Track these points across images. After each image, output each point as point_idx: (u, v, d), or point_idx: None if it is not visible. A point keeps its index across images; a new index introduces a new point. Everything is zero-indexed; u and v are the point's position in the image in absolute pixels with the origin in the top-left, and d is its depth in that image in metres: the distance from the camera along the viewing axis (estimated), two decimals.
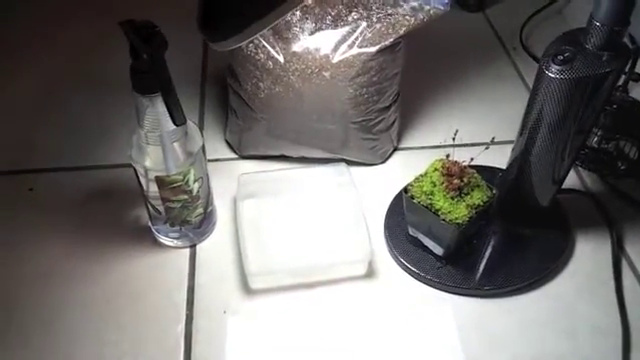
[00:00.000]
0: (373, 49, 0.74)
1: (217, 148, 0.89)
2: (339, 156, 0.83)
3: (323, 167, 0.80)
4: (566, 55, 0.59)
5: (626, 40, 0.94)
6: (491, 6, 1.19)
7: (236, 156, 0.87)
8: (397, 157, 0.88)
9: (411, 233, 0.74)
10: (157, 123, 0.62)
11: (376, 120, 0.81)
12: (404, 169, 0.85)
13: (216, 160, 0.87)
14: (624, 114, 0.83)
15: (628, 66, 0.92)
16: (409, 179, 0.71)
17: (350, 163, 0.83)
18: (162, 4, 1.07)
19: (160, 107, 0.61)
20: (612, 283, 0.73)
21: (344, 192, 0.79)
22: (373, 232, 0.77)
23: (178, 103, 0.61)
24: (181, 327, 0.68)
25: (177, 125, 0.62)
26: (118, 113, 0.91)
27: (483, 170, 0.71)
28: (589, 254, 0.76)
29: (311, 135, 0.81)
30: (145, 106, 0.61)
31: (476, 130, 0.89)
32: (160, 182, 0.67)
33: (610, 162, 0.84)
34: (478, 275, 0.72)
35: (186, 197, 0.70)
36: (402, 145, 0.89)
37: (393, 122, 0.84)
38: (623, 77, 0.90)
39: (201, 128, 0.91)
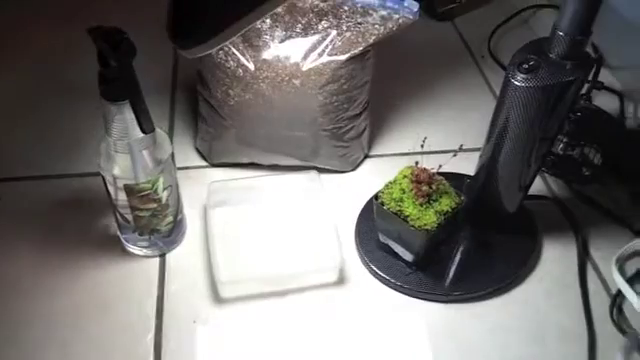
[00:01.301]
0: (343, 57, 0.74)
1: (187, 156, 0.88)
2: (310, 164, 0.83)
3: (294, 175, 0.80)
4: (531, 64, 0.60)
5: (589, 49, 0.97)
6: (460, 15, 1.21)
7: (207, 164, 0.87)
8: (368, 164, 0.88)
9: (381, 240, 0.75)
10: (125, 131, 0.62)
11: (346, 128, 0.81)
12: (375, 176, 0.85)
13: (186, 168, 0.86)
14: (588, 121, 0.85)
15: (591, 75, 0.95)
16: (380, 186, 0.71)
17: (321, 170, 0.83)
18: (132, 11, 1.06)
19: (128, 115, 0.60)
20: (578, 287, 0.74)
21: (315, 199, 0.79)
22: (344, 239, 0.77)
23: (146, 111, 0.60)
24: (150, 337, 0.67)
25: (145, 133, 0.61)
26: (88, 121, 0.90)
27: (452, 177, 0.72)
28: (556, 259, 0.77)
29: (282, 143, 0.81)
30: (113, 114, 0.60)
31: (445, 137, 0.90)
32: (129, 190, 0.66)
33: (575, 168, 0.85)
34: (447, 281, 0.72)
35: (155, 205, 0.69)
36: (373, 152, 0.90)
37: (363, 130, 0.85)
38: (586, 85, 0.93)
39: (171, 136, 0.91)
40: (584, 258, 0.78)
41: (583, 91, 0.92)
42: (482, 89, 1.04)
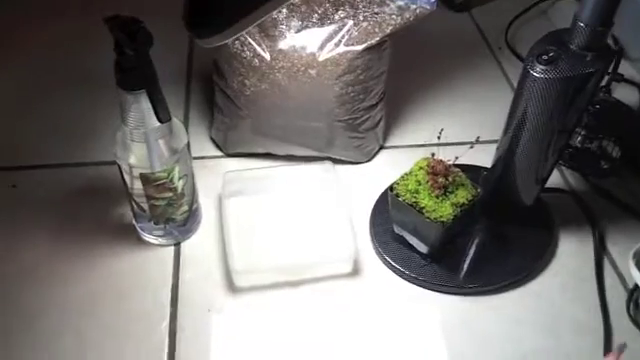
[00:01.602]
0: (359, 47, 0.74)
1: (203, 146, 0.88)
2: (325, 154, 0.83)
3: (309, 165, 0.80)
4: (550, 55, 0.59)
5: (609, 41, 0.96)
6: (477, 6, 1.20)
7: (222, 154, 0.87)
8: (383, 155, 0.88)
9: (396, 231, 0.75)
10: (142, 120, 0.62)
11: (362, 118, 0.81)
12: (390, 167, 0.85)
13: (202, 158, 0.87)
14: (607, 114, 0.84)
15: (611, 67, 0.93)
16: (395, 177, 0.71)
17: (336, 161, 0.83)
18: (144, 0, 1.06)
19: (145, 104, 0.60)
20: (594, 281, 0.74)
21: (330, 190, 0.79)
22: (359, 230, 0.77)
23: (163, 100, 0.60)
24: (165, 325, 0.68)
25: (162, 122, 0.61)
26: (104, 110, 0.91)
27: (468, 169, 0.72)
28: (572, 252, 0.77)
29: (297, 133, 0.81)
30: (130, 103, 0.61)
31: (461, 129, 0.89)
32: (144, 179, 0.67)
33: (593, 161, 0.84)
34: (462, 273, 0.72)
35: (171, 195, 0.69)
36: (388, 143, 0.90)
37: (379, 121, 0.85)
38: (606, 78, 0.91)
39: (186, 125, 0.91)
40: (601, 252, 0.77)
41: (602, 83, 0.91)
42: (499, 81, 1.03)
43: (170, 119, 0.63)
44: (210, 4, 0.47)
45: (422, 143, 0.88)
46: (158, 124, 0.62)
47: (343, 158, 0.84)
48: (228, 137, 0.84)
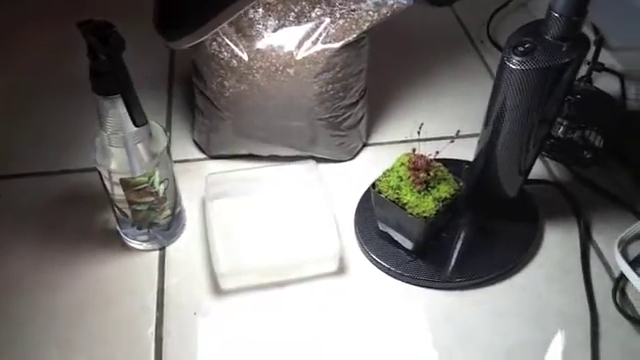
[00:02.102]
0: (337, 45, 0.74)
1: (186, 149, 0.88)
2: (308, 153, 0.83)
3: (292, 165, 0.80)
4: (526, 46, 0.59)
5: (590, 31, 0.96)
6: (458, 0, 1.19)
7: (205, 156, 0.87)
8: (366, 153, 0.88)
9: (381, 228, 0.74)
10: (120, 125, 0.62)
11: (343, 116, 0.80)
12: (373, 165, 0.85)
13: (185, 161, 0.86)
14: (588, 104, 0.84)
15: (592, 56, 0.93)
16: (378, 174, 0.71)
17: (319, 160, 0.82)
18: (129, 5, 1.05)
19: (121, 108, 0.60)
20: (580, 271, 0.74)
21: (313, 189, 0.78)
22: (343, 228, 0.77)
23: (138, 104, 0.60)
24: (151, 330, 0.67)
25: (137, 126, 0.61)
26: (84, 117, 0.90)
27: (450, 163, 0.72)
28: (557, 243, 0.77)
29: (279, 133, 0.80)
30: (106, 108, 0.60)
31: (443, 124, 0.89)
32: (125, 184, 0.66)
33: (576, 151, 0.84)
34: (448, 268, 0.72)
35: (152, 199, 0.69)
36: (371, 141, 0.89)
37: (361, 118, 0.84)
38: (587, 67, 0.92)
39: (169, 129, 0.90)
40: (586, 242, 0.77)
41: (583, 73, 0.91)
42: (481, 74, 1.03)
43: (146, 123, 0.62)
44: (178, 6, 0.47)
45: (404, 139, 0.88)
46: (136, 128, 0.62)
47: (326, 157, 0.84)
48: (210, 139, 0.84)
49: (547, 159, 0.87)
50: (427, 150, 0.69)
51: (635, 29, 0.93)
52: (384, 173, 0.71)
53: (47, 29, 1.09)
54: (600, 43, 0.95)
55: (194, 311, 0.69)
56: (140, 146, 0.65)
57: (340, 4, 0.74)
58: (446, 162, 0.71)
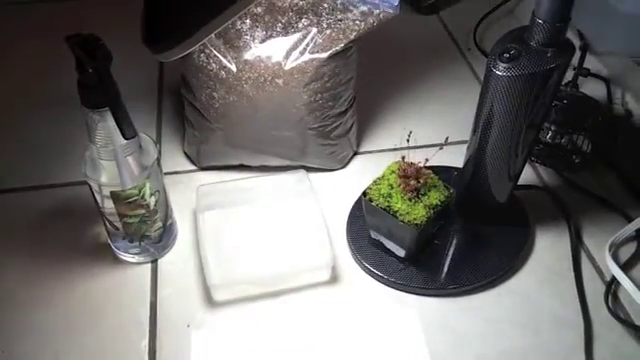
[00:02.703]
0: (325, 55, 0.74)
1: (176, 160, 0.88)
2: (299, 163, 0.83)
3: (282, 175, 0.80)
4: (512, 53, 0.60)
5: (574, 37, 0.97)
6: (445, 8, 1.21)
7: (195, 168, 0.87)
8: (357, 161, 0.88)
9: (373, 236, 0.75)
10: (109, 138, 0.62)
11: (333, 125, 0.81)
12: (364, 173, 0.85)
13: (175, 173, 0.86)
14: (575, 109, 0.85)
15: (577, 62, 0.94)
16: (369, 183, 0.71)
17: (310, 169, 0.83)
18: (117, 18, 1.05)
19: (111, 121, 0.60)
20: (572, 275, 0.74)
21: (304, 199, 0.78)
22: (335, 237, 0.77)
23: (127, 116, 0.60)
24: (145, 343, 0.67)
25: (127, 139, 0.61)
26: (73, 130, 0.89)
27: (440, 170, 0.72)
28: (549, 248, 0.77)
29: (269, 143, 0.80)
30: (95, 121, 0.60)
31: (432, 131, 0.90)
32: (115, 197, 0.66)
33: (565, 156, 0.85)
34: (441, 275, 0.72)
35: (143, 211, 0.69)
36: (361, 149, 0.90)
37: (351, 127, 0.85)
38: (573, 72, 0.92)
39: (159, 141, 0.90)
40: (577, 246, 0.77)
41: (569, 78, 0.92)
42: (469, 81, 1.03)
43: (136, 135, 0.62)
44: (163, 18, 0.47)
45: (394, 147, 0.88)
46: (126, 141, 0.62)
47: (317, 166, 0.84)
48: (201, 151, 0.84)
49: (536, 164, 0.88)
50: (417, 157, 0.69)
51: (619, 34, 0.94)
52: (375, 181, 0.71)
53: (35, 43, 1.09)
54: (585, 48, 0.96)
55: (187, 323, 0.69)
56: (130, 159, 0.65)
57: (327, 14, 0.74)
58: (436, 169, 0.72)
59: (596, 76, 0.96)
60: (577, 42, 0.95)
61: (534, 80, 0.60)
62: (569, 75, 0.92)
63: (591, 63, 0.95)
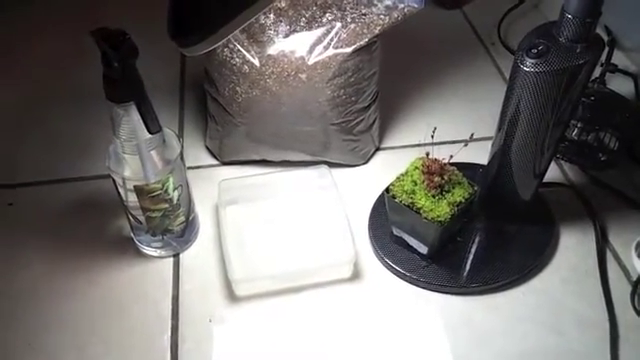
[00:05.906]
0: (349, 49, 0.73)
1: (198, 155, 0.88)
2: (321, 158, 0.83)
3: (304, 170, 0.80)
4: (540, 48, 0.59)
5: (602, 32, 0.95)
6: (468, 3, 1.19)
7: (217, 162, 0.87)
8: (379, 157, 0.88)
9: (395, 233, 0.74)
10: (133, 132, 0.62)
11: (356, 121, 0.80)
12: (386, 169, 0.84)
13: (197, 167, 0.86)
14: (602, 105, 0.83)
15: (605, 58, 0.93)
16: (392, 179, 0.71)
17: (332, 165, 0.82)
18: (142, 12, 1.06)
19: (135, 116, 0.60)
20: (597, 275, 0.73)
21: (326, 195, 0.78)
22: (357, 233, 0.76)
23: (152, 111, 0.60)
24: (167, 337, 0.67)
25: (152, 133, 0.61)
26: (97, 124, 0.90)
27: (464, 167, 0.71)
28: (573, 247, 0.76)
29: (291, 138, 0.80)
30: (120, 115, 0.60)
31: (456, 127, 0.89)
32: (139, 191, 0.66)
33: (591, 154, 0.84)
34: (464, 273, 0.72)
35: (166, 206, 0.69)
36: (384, 145, 0.89)
37: (373, 122, 0.84)
38: (600, 69, 0.91)
39: (181, 135, 0.91)
40: (603, 245, 0.76)
41: (597, 75, 0.90)
42: (493, 77, 1.02)
43: (160, 130, 0.62)
44: (191, 13, 0.47)
45: (417, 143, 0.87)
46: (150, 135, 0.62)
47: (339, 161, 0.84)
48: (223, 145, 0.84)
49: (562, 162, 0.86)
50: (441, 154, 0.69)
51: None
52: (398, 177, 0.70)
53: (60, 37, 1.10)
54: (613, 44, 0.94)
55: (209, 318, 0.69)
56: (154, 153, 0.65)
57: (351, 8, 0.74)
58: (460, 166, 0.71)
59: (624, 72, 0.94)
60: (605, 38, 0.93)
61: (562, 76, 0.59)
62: (596, 71, 0.90)
63: (619, 59, 0.93)
